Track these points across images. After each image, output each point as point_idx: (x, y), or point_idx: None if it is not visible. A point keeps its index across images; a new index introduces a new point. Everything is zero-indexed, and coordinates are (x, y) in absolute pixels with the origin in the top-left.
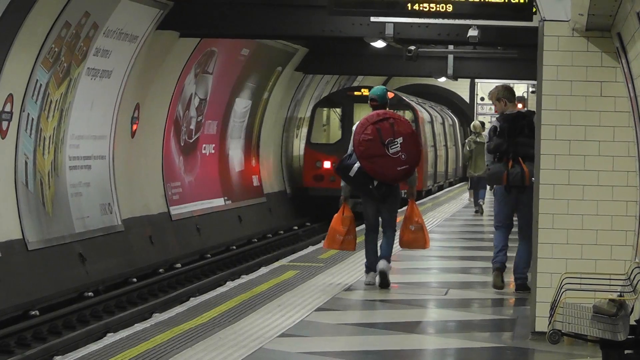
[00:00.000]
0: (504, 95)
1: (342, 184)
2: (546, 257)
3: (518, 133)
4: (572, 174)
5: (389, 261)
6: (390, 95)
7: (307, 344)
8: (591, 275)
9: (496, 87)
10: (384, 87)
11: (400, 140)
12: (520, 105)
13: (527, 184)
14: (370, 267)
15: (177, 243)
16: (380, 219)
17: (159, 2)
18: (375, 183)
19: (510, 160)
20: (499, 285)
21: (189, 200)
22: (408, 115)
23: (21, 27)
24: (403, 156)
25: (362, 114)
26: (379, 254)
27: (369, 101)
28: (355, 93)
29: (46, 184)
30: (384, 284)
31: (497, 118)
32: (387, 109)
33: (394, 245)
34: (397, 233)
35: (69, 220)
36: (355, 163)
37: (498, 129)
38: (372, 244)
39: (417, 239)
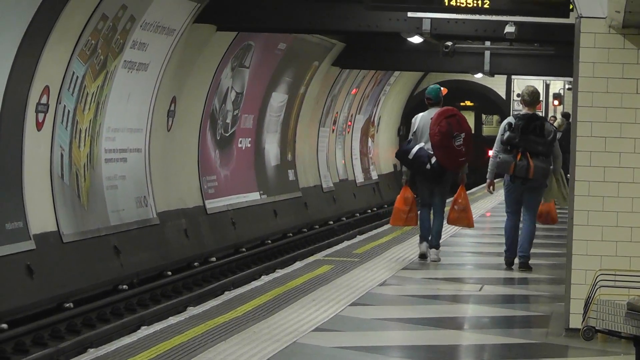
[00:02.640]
0: (522, 98)
1: (404, 169)
2: (581, 254)
3: (530, 131)
4: (608, 171)
5: (437, 247)
6: (444, 91)
7: (341, 338)
8: (625, 272)
9: (526, 87)
10: (438, 86)
11: (463, 135)
12: (556, 102)
13: (530, 176)
14: (424, 237)
15: (212, 237)
16: (432, 200)
17: None
18: (429, 166)
19: (519, 153)
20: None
21: (224, 194)
22: None
23: (58, 18)
24: (463, 149)
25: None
26: (431, 225)
27: (425, 99)
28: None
29: (82, 176)
30: (423, 257)
31: (513, 115)
32: (441, 104)
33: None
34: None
35: (104, 213)
36: (413, 148)
37: (513, 125)
38: (426, 219)
39: (460, 218)
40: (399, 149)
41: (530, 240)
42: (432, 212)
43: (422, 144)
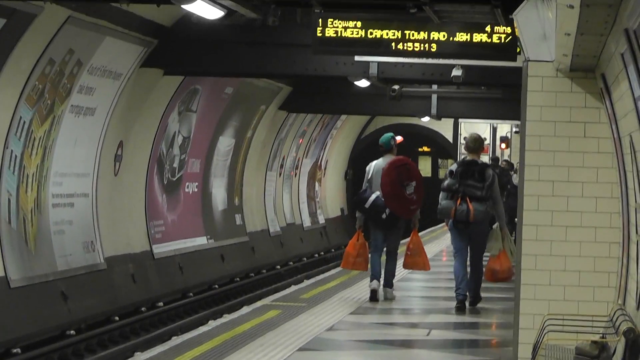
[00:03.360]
0: (466, 145)
1: (357, 214)
2: (529, 299)
3: (469, 176)
4: (556, 215)
5: (390, 286)
6: (399, 139)
7: None
8: (574, 316)
9: (470, 134)
10: (391, 134)
11: (413, 183)
12: (503, 145)
13: (471, 220)
14: (375, 275)
15: (159, 281)
16: (385, 245)
17: (143, 40)
18: (385, 216)
19: (459, 198)
20: (462, 312)
21: (171, 239)
22: None
23: (5, 63)
24: (414, 197)
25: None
26: (382, 267)
27: (379, 146)
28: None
29: (29, 221)
30: (374, 297)
31: (456, 162)
32: (394, 151)
33: (397, 269)
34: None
35: (51, 258)
36: (369, 196)
37: (453, 172)
38: (376, 263)
39: (416, 262)
40: (355, 196)
41: (478, 282)
42: (384, 255)
43: (378, 193)
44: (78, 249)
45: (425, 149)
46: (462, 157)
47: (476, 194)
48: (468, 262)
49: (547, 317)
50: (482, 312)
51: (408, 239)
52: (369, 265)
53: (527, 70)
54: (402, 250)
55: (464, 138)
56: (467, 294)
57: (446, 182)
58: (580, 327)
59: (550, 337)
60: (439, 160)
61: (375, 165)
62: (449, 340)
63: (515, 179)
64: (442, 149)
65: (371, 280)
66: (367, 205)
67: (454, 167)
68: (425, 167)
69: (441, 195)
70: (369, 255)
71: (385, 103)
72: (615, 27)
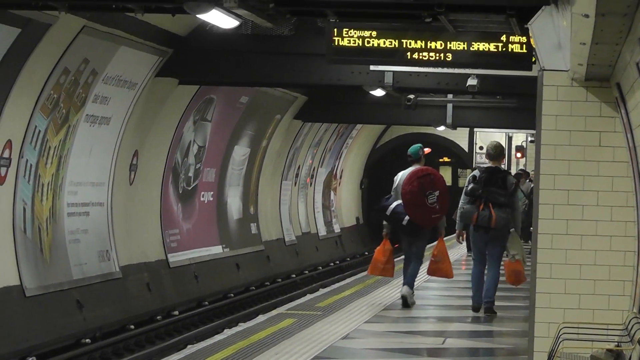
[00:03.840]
0: (487, 152)
1: (384, 222)
2: (544, 307)
3: (492, 183)
4: (571, 224)
5: (411, 287)
6: (427, 150)
7: None
8: (589, 325)
9: (490, 142)
10: (420, 145)
11: (437, 193)
12: (519, 154)
13: (492, 226)
14: (405, 282)
15: (174, 290)
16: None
17: (158, 49)
18: (405, 222)
19: (482, 204)
20: (477, 311)
21: (187, 248)
22: None
23: (20, 72)
24: (437, 206)
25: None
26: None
27: (408, 156)
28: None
29: (44, 230)
30: (405, 304)
31: (478, 169)
32: (422, 162)
33: (420, 274)
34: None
35: (66, 267)
36: (391, 205)
37: (477, 177)
38: (406, 265)
39: (439, 269)
40: (378, 204)
41: (494, 286)
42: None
43: (399, 201)
44: (93, 258)
45: (446, 159)
46: (478, 166)
47: (499, 200)
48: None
49: (562, 325)
50: (498, 321)
51: (434, 245)
52: (403, 270)
53: (542, 80)
54: (428, 255)
55: (480, 147)
56: (482, 301)
57: (470, 187)
58: (595, 335)
59: (565, 346)
60: (459, 170)
61: (402, 175)
62: (464, 349)
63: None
64: (459, 158)
65: (403, 285)
66: (387, 212)
67: (476, 172)
68: (445, 176)
69: (462, 200)
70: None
71: (400, 112)
72: (630, 37)
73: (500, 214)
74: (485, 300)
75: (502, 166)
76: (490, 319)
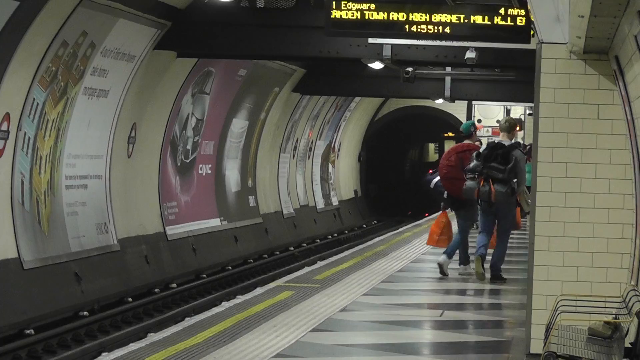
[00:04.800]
0: (500, 125)
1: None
2: (542, 280)
3: (492, 159)
4: (569, 197)
5: (449, 257)
6: (479, 127)
7: None
8: (587, 297)
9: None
10: (472, 121)
11: None
12: (517, 128)
13: (493, 200)
14: (445, 251)
15: (172, 263)
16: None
17: (157, 22)
18: (445, 195)
19: (482, 179)
20: (480, 272)
21: (185, 220)
22: None
23: (19, 45)
24: None
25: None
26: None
27: (459, 132)
28: (444, 135)
29: (42, 203)
30: (442, 272)
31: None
32: (474, 137)
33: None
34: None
35: (64, 240)
36: (433, 179)
37: (480, 154)
38: (456, 238)
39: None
40: (424, 177)
41: (500, 259)
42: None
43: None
44: (91, 231)
45: (450, 134)
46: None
47: (497, 176)
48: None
49: (560, 298)
50: (496, 293)
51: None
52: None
53: (541, 52)
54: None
55: (478, 120)
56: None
57: (472, 165)
58: (593, 308)
59: (563, 318)
60: None
61: None
62: (462, 321)
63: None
64: (455, 131)
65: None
66: (431, 185)
67: (482, 149)
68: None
69: (467, 176)
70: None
71: (398, 85)
72: (628, 9)
73: (500, 189)
74: (492, 269)
75: (520, 140)
76: (493, 292)
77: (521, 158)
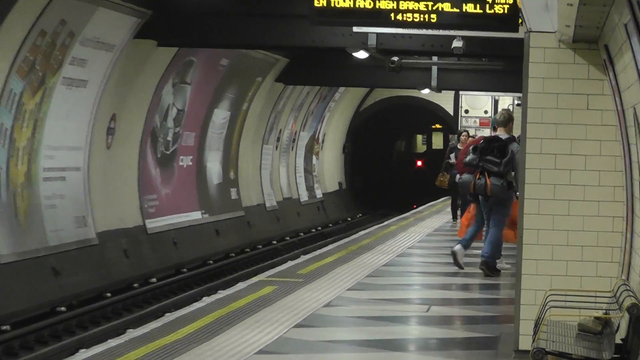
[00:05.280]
0: (496, 120)
1: None
2: (530, 274)
3: (488, 152)
4: (558, 189)
5: (465, 247)
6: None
7: None
8: (576, 292)
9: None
10: (507, 109)
11: None
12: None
13: (488, 193)
14: (460, 241)
15: (153, 257)
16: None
17: (137, 11)
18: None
19: (478, 173)
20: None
21: (165, 214)
22: None
23: None
24: None
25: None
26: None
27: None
28: (432, 127)
29: (19, 196)
30: (456, 263)
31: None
32: (509, 128)
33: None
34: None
35: (42, 233)
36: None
37: (477, 147)
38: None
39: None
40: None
41: (491, 244)
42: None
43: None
44: (70, 224)
45: (438, 125)
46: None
47: (493, 170)
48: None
49: (549, 292)
50: (483, 288)
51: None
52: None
53: (529, 42)
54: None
55: (465, 111)
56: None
57: (468, 158)
58: (583, 303)
59: (553, 313)
60: (450, 136)
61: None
62: (449, 317)
63: None
64: (444, 122)
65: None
66: (457, 180)
67: (454, 142)
68: (437, 141)
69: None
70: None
71: (384, 75)
72: None
73: (496, 182)
74: (483, 255)
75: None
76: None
77: (518, 151)
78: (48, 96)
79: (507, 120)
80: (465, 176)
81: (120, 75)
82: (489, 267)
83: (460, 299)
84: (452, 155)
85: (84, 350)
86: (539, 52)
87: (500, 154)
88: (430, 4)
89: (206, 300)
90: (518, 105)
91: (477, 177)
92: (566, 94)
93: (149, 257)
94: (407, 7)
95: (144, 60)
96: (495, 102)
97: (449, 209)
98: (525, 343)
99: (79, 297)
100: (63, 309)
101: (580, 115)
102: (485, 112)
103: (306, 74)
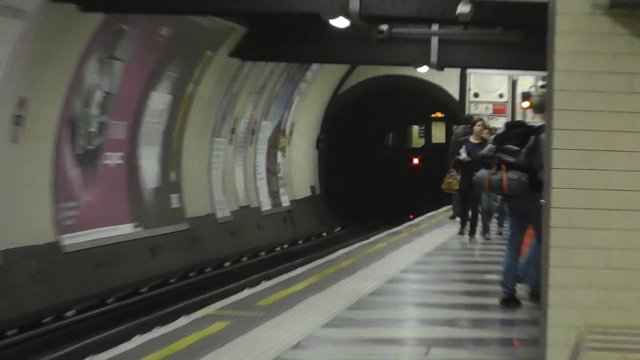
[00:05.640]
0: (532, 102)
1: None
2: (560, 306)
3: (507, 140)
4: (595, 195)
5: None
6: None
7: None
8: (620, 329)
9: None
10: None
11: None
12: (525, 104)
13: (505, 191)
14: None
15: (70, 284)
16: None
17: None
18: None
19: (495, 167)
20: (508, 305)
21: (87, 227)
22: None
23: None
24: None
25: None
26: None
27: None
28: (432, 116)
29: None
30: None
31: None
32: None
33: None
34: None
35: None
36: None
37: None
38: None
39: None
40: None
41: (538, 264)
42: None
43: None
44: None
45: (439, 114)
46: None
47: (509, 160)
48: None
49: (584, 330)
50: (498, 325)
51: None
52: None
53: (555, 6)
54: None
55: (475, 94)
56: (514, 289)
57: (485, 149)
58: (629, 344)
59: (590, 357)
60: (454, 127)
61: None
62: None
63: None
64: (448, 110)
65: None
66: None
67: (460, 129)
68: (437, 135)
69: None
70: None
71: (370, 49)
72: None
73: (513, 176)
74: (530, 283)
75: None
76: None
77: (538, 141)
78: None
79: (543, 102)
80: (480, 172)
81: (30, 49)
82: (536, 295)
83: (468, 339)
84: (463, 150)
85: None
86: (568, 20)
87: (522, 142)
88: None
89: (138, 340)
90: (542, 87)
91: (494, 171)
92: (603, 73)
93: (64, 284)
94: None
95: (63, 29)
96: (513, 83)
97: (452, 224)
98: None
99: None
100: None
101: (621, 100)
102: (501, 95)
103: (269, 47)
